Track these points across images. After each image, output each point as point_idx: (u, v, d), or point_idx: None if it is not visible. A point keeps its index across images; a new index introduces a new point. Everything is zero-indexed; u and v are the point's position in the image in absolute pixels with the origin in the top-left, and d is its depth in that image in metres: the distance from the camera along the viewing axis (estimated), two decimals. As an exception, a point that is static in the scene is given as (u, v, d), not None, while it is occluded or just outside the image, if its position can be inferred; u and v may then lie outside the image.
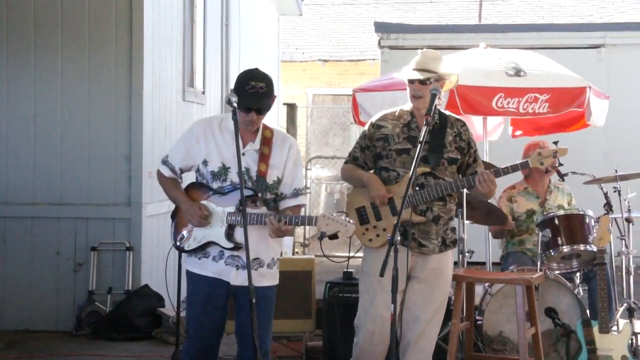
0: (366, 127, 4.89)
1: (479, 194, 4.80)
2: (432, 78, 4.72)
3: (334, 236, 4.18)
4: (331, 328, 6.10)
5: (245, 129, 4.29)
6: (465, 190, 5.08)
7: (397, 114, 4.86)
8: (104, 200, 7.45)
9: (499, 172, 4.64)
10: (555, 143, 4.86)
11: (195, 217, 4.29)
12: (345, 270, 6.37)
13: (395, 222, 4.62)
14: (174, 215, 4.46)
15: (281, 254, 6.60)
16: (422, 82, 4.70)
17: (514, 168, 4.68)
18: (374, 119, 4.90)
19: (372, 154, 4.85)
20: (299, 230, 12.57)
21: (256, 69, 4.34)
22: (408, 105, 4.86)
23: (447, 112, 4.92)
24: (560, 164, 5.91)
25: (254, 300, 3.96)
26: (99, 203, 7.45)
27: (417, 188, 4.68)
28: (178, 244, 4.39)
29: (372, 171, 4.88)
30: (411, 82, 4.74)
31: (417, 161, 4.34)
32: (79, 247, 7.45)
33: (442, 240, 4.77)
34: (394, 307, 4.05)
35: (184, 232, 4.36)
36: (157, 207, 7.64)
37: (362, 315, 4.81)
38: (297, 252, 11.48)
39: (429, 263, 4.76)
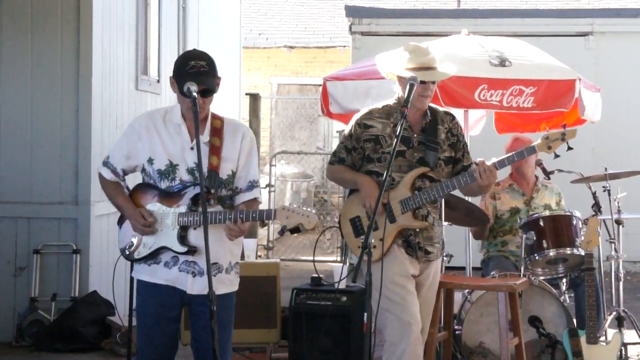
0: (351, 126, 4.83)
1: (474, 189, 4.84)
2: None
3: (295, 229, 4.10)
4: (298, 339, 6.08)
5: (192, 118, 4.17)
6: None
7: (384, 110, 4.82)
8: (48, 198, 7.37)
9: (502, 163, 4.63)
10: (564, 126, 4.74)
11: (139, 227, 4.23)
12: (314, 275, 6.36)
13: (394, 229, 4.67)
14: (121, 220, 4.41)
15: (243, 257, 6.61)
16: (433, 82, 4.76)
17: (519, 155, 4.66)
18: (358, 117, 4.84)
19: (359, 156, 4.80)
20: (263, 232, 12.55)
21: (194, 49, 4.34)
22: (392, 101, 4.83)
23: (434, 106, 4.92)
24: (570, 148, 5.90)
25: (214, 309, 3.93)
26: (43, 201, 7.37)
27: (416, 192, 4.69)
28: (127, 252, 4.32)
29: None
30: (422, 82, 4.66)
31: (392, 158, 4.32)
32: (19, 250, 7.37)
33: (441, 244, 4.90)
34: (369, 315, 4.04)
35: (133, 240, 4.29)
36: (107, 206, 7.53)
37: (397, 328, 4.67)
38: (260, 256, 11.47)
39: (432, 269, 4.84)
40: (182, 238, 4.20)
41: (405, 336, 4.66)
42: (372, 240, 4.36)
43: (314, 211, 4.11)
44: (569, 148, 4.70)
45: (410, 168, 4.71)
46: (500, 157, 4.68)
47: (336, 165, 4.86)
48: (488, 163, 4.63)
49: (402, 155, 4.72)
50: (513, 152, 4.72)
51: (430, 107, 4.83)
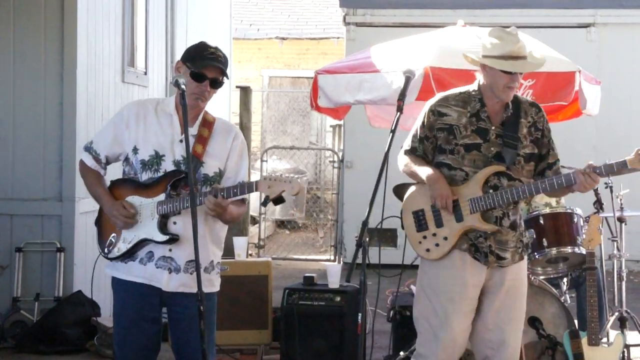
0: (424, 113, 4.60)
1: (557, 192, 4.60)
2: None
3: (279, 200, 4.05)
4: (290, 340, 6.09)
5: (189, 108, 4.16)
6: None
7: (461, 98, 4.58)
8: (32, 195, 7.36)
9: (602, 173, 4.40)
10: None
11: (120, 218, 4.20)
12: (306, 275, 6.37)
13: (459, 229, 4.48)
14: (98, 220, 4.39)
15: (233, 255, 6.61)
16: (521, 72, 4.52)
17: (608, 169, 4.40)
18: (433, 103, 4.60)
19: (432, 146, 4.57)
20: (254, 229, 12.54)
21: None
22: (473, 87, 4.62)
23: (520, 96, 4.69)
24: None
25: (203, 309, 3.92)
26: (26, 197, 7.36)
27: (491, 190, 4.48)
28: (106, 251, 4.30)
29: None
30: (507, 72, 4.45)
31: (386, 159, 4.25)
32: (1, 248, 7.36)
33: (521, 246, 4.62)
34: (363, 316, 4.04)
35: (112, 237, 4.28)
36: (92, 203, 7.43)
37: (431, 342, 4.54)
38: (251, 255, 11.47)
39: (507, 274, 4.58)
40: (162, 226, 4.17)
41: (435, 354, 4.54)
42: (435, 235, 4.38)
43: (296, 176, 4.08)
44: None
45: (485, 163, 4.49)
46: (600, 164, 4.45)
47: (408, 155, 4.62)
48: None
49: (477, 149, 4.49)
50: (602, 165, 4.43)
51: (514, 97, 4.57)
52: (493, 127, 4.53)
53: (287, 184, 4.00)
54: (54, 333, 7.04)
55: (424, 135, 4.59)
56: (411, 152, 4.63)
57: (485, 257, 4.52)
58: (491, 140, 4.51)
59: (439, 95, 4.67)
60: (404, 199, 4.71)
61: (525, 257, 4.70)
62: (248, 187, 4.08)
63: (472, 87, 4.62)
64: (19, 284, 7.31)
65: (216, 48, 4.25)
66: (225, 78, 4.24)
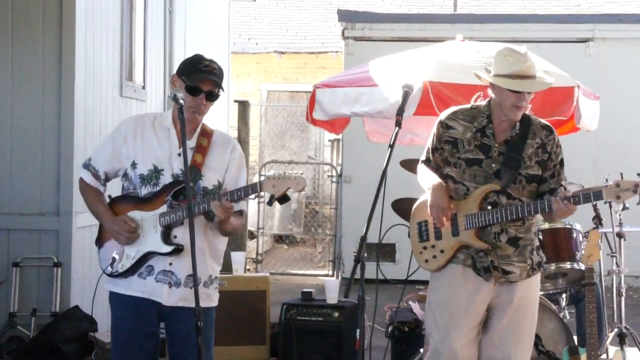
0: (435, 125, 4.69)
1: (550, 216, 4.58)
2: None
3: (284, 198, 4.06)
4: (288, 356, 6.09)
5: (186, 122, 4.16)
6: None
7: (470, 113, 4.64)
8: (29, 209, 7.35)
9: (578, 201, 4.32)
10: None
11: (122, 234, 4.20)
12: (304, 290, 6.37)
13: (455, 244, 4.52)
14: (99, 239, 4.39)
15: (231, 270, 6.61)
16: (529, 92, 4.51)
17: (585, 199, 4.33)
18: (443, 117, 4.68)
19: (441, 158, 4.64)
20: (252, 245, 12.54)
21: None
22: (484, 104, 4.67)
23: (533, 117, 4.68)
24: (626, 208, 5.92)
25: (201, 324, 3.91)
26: (23, 212, 7.35)
27: (489, 207, 4.50)
28: (110, 269, 4.28)
29: None
30: (514, 91, 4.45)
31: (384, 182, 4.28)
32: (-2, 263, 7.35)
33: (530, 264, 4.58)
34: (361, 331, 4.04)
35: (115, 254, 4.27)
36: (89, 218, 7.44)
37: (433, 356, 4.57)
38: (249, 270, 11.47)
39: (516, 291, 4.56)
40: (166, 237, 4.18)
41: None
42: (434, 247, 4.37)
43: (302, 174, 4.09)
44: (625, 208, 4.39)
45: (485, 179, 4.52)
46: (574, 193, 4.41)
47: (424, 165, 4.72)
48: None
49: (479, 164, 4.54)
50: (591, 192, 4.34)
51: (525, 117, 4.58)
52: (496, 145, 4.55)
53: (292, 181, 4.03)
54: (51, 349, 7.01)
55: (434, 146, 4.67)
56: (426, 162, 4.71)
57: (487, 273, 4.52)
58: (493, 157, 4.53)
59: (451, 109, 4.73)
60: (414, 208, 4.75)
61: (537, 276, 4.66)
62: (252, 188, 4.09)
63: (484, 103, 4.67)
64: (16, 299, 7.29)
65: (211, 60, 4.26)
66: (221, 90, 4.25)
